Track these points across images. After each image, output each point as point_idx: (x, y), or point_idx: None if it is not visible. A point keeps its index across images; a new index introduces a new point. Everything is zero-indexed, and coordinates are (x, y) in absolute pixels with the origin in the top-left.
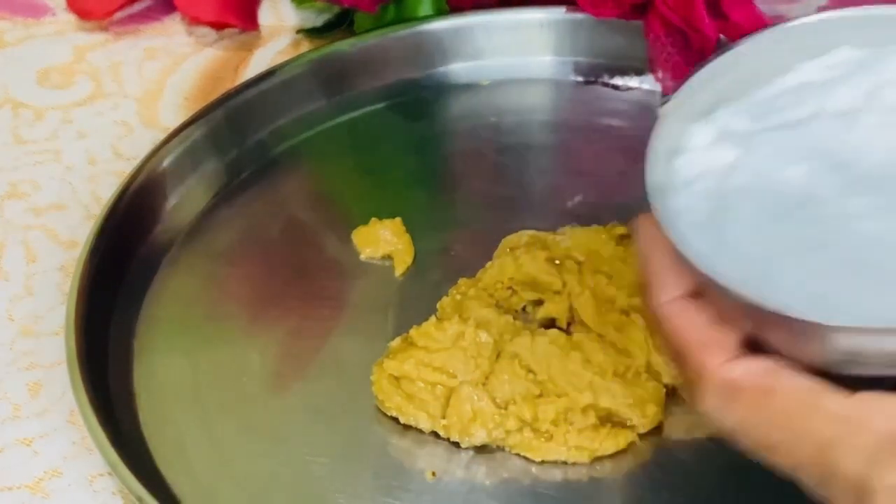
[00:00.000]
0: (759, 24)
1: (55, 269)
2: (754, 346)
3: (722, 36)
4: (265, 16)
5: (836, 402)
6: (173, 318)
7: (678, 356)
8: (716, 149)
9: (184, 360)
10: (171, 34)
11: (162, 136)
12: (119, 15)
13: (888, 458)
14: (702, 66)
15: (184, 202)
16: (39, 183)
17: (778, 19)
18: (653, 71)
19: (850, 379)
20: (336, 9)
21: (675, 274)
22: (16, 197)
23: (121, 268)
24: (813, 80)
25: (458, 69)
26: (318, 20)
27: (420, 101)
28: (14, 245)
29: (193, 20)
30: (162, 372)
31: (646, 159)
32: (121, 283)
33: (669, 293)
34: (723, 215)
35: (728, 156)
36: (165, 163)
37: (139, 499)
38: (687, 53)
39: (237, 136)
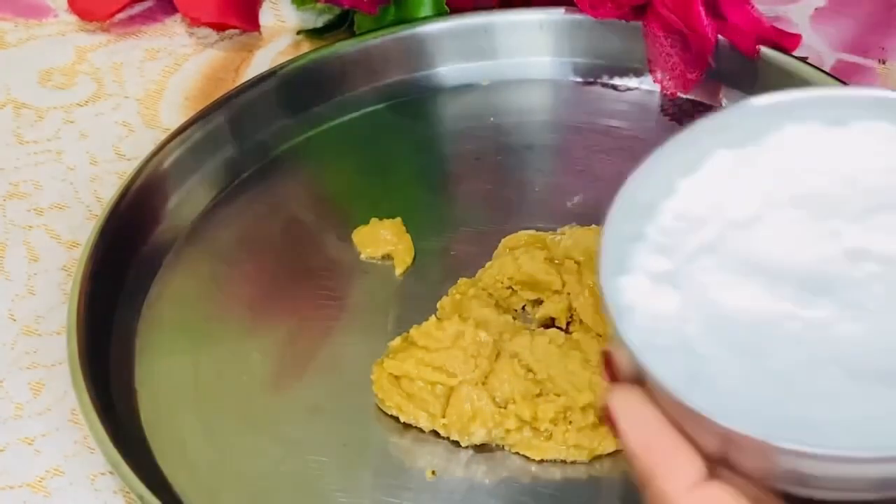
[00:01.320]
0: (758, 24)
1: (57, 269)
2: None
3: (720, 37)
4: (266, 17)
5: None
6: (174, 318)
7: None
8: (654, 299)
9: (185, 360)
10: (172, 35)
11: (163, 136)
12: (120, 16)
13: None
14: (608, 212)
15: (185, 202)
16: (41, 183)
17: (775, 20)
18: (652, 72)
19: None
20: (336, 10)
21: (681, 456)
22: (17, 197)
23: (122, 268)
24: (701, 194)
25: (458, 69)
26: (318, 21)
27: (420, 101)
28: (16, 245)
29: (194, 21)
30: (163, 371)
31: (617, 331)
32: (122, 283)
33: (682, 481)
34: (704, 370)
35: (670, 302)
36: (166, 163)
37: (140, 497)
38: (686, 54)
39: (238, 136)
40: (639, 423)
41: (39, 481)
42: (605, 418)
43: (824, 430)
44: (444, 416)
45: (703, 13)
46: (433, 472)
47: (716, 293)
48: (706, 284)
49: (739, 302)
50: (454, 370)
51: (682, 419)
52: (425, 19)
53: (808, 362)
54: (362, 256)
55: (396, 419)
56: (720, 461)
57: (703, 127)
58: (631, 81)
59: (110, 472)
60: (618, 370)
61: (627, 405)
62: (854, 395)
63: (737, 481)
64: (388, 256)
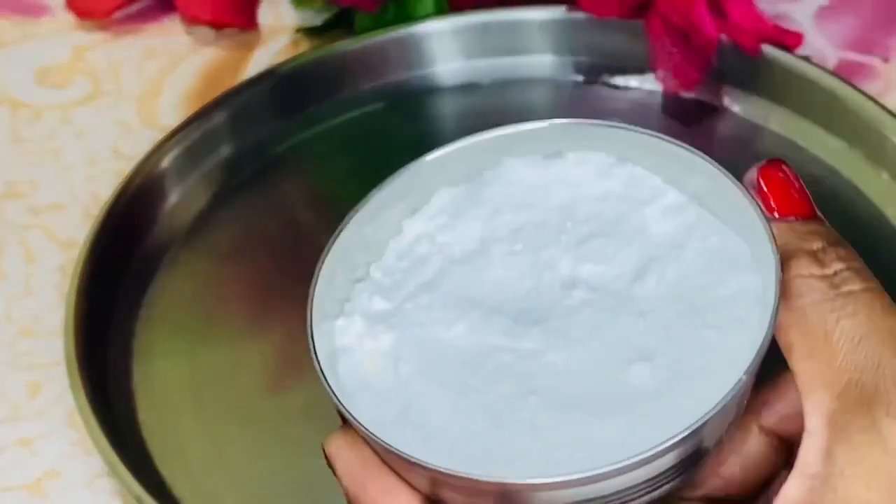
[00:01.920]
0: (760, 23)
1: (54, 269)
2: None
3: (722, 35)
4: (264, 15)
5: None
6: (173, 319)
7: None
8: (369, 339)
9: (183, 361)
10: (171, 34)
11: (161, 135)
12: (118, 14)
13: None
14: (324, 257)
15: (183, 202)
16: (38, 182)
17: (779, 18)
18: (654, 70)
19: None
20: (335, 8)
21: (395, 493)
22: (14, 196)
23: (120, 268)
24: (423, 233)
25: (458, 69)
26: (317, 20)
27: (420, 101)
28: (13, 245)
29: (193, 20)
30: (161, 372)
31: (320, 374)
32: (120, 283)
33: None
34: (414, 407)
35: (385, 342)
36: (165, 162)
37: (138, 499)
38: (688, 53)
39: (236, 135)
40: (354, 465)
41: (37, 483)
42: (327, 463)
43: (522, 460)
44: None
45: (705, 11)
46: None
47: (430, 330)
48: (422, 322)
49: (453, 338)
50: None
51: (389, 460)
52: (425, 18)
53: (512, 394)
54: None
55: None
56: (437, 500)
57: (423, 166)
58: (632, 80)
59: (108, 474)
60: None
61: (342, 448)
62: (550, 423)
63: None
64: None
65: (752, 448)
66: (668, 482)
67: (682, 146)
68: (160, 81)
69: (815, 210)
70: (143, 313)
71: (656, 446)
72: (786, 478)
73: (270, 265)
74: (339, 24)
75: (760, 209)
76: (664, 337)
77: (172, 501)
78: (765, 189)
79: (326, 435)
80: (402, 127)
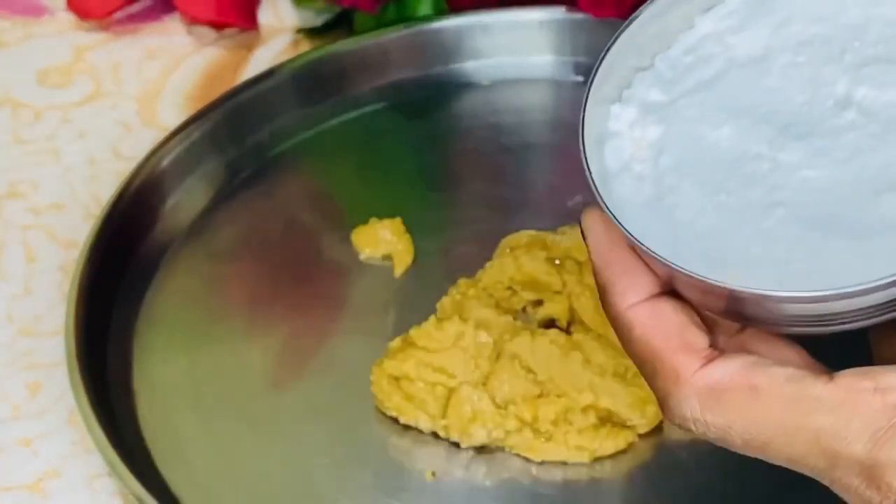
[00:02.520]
0: None
1: (55, 269)
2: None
3: None
4: (265, 15)
5: (822, 388)
6: (173, 318)
7: (647, 364)
8: (639, 128)
9: (183, 360)
10: (171, 34)
11: (161, 135)
12: (118, 14)
13: (892, 433)
14: (610, 45)
15: (183, 202)
16: (39, 183)
17: None
18: None
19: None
20: (336, 8)
21: (635, 275)
22: (15, 197)
23: (120, 268)
24: (712, 32)
25: (457, 69)
26: (317, 20)
27: (420, 101)
28: (13, 245)
29: (193, 20)
30: (161, 372)
31: (582, 152)
32: (120, 283)
33: (632, 297)
34: (666, 198)
35: (653, 133)
36: (165, 163)
37: (138, 499)
38: None
39: (237, 135)
40: (602, 241)
41: (37, 483)
42: (581, 234)
43: (756, 267)
44: (444, 418)
45: None
46: (433, 474)
47: (698, 128)
48: (692, 119)
49: (718, 139)
50: (454, 371)
51: (632, 244)
52: (425, 18)
53: (760, 202)
54: (362, 256)
55: (396, 420)
56: (671, 285)
57: None
58: None
59: (108, 474)
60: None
61: (595, 224)
62: (790, 237)
63: (685, 302)
64: (387, 256)
65: None
66: (892, 311)
67: None
68: (160, 81)
69: None
70: (143, 313)
71: (890, 276)
72: None
73: (270, 265)
74: (340, 24)
75: None
76: None
77: (172, 501)
78: None
79: (326, 436)
80: (402, 127)
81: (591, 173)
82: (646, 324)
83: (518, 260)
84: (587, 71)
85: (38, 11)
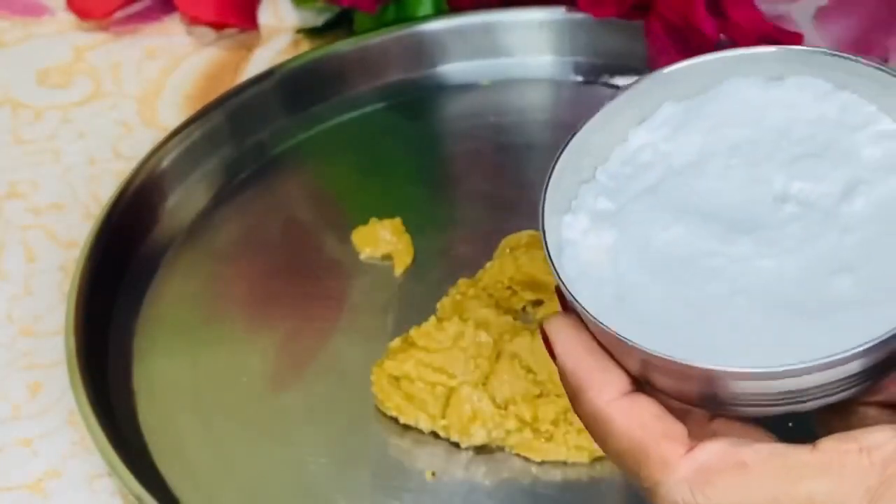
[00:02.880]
0: (759, 23)
1: (55, 269)
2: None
3: (722, 35)
4: (265, 15)
5: (808, 455)
6: (173, 318)
7: (630, 456)
8: (593, 235)
9: (184, 360)
10: (171, 34)
11: (161, 135)
12: (119, 15)
13: (884, 489)
14: (556, 160)
15: (183, 202)
16: (39, 183)
17: (778, 19)
18: (653, 71)
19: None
20: (336, 9)
21: (609, 371)
22: (15, 197)
23: (120, 268)
24: (647, 143)
25: (458, 69)
26: (317, 20)
27: (420, 101)
28: (13, 245)
29: (193, 20)
30: (162, 372)
31: (549, 260)
32: (120, 283)
33: (609, 393)
34: (630, 297)
35: (608, 238)
36: (165, 163)
37: (138, 499)
38: (687, 53)
39: (237, 135)
40: (571, 344)
41: (37, 483)
42: (543, 342)
43: (725, 352)
44: (444, 418)
45: (704, 12)
46: (433, 474)
47: (650, 230)
48: (641, 222)
49: (670, 238)
50: (454, 371)
51: (605, 342)
52: (425, 18)
53: (722, 293)
54: (362, 256)
55: (396, 420)
56: (644, 382)
57: (654, 80)
58: (632, 81)
59: (108, 474)
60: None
61: (561, 329)
62: (753, 322)
63: (660, 396)
64: (387, 256)
65: None
66: (858, 384)
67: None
68: (160, 82)
69: None
70: (143, 313)
71: (859, 346)
72: None
73: (270, 265)
74: (340, 24)
75: None
76: (867, 253)
77: (172, 501)
78: None
79: (326, 436)
80: (402, 127)
81: (560, 278)
82: (626, 417)
83: (518, 260)
84: (587, 71)
85: (38, 11)
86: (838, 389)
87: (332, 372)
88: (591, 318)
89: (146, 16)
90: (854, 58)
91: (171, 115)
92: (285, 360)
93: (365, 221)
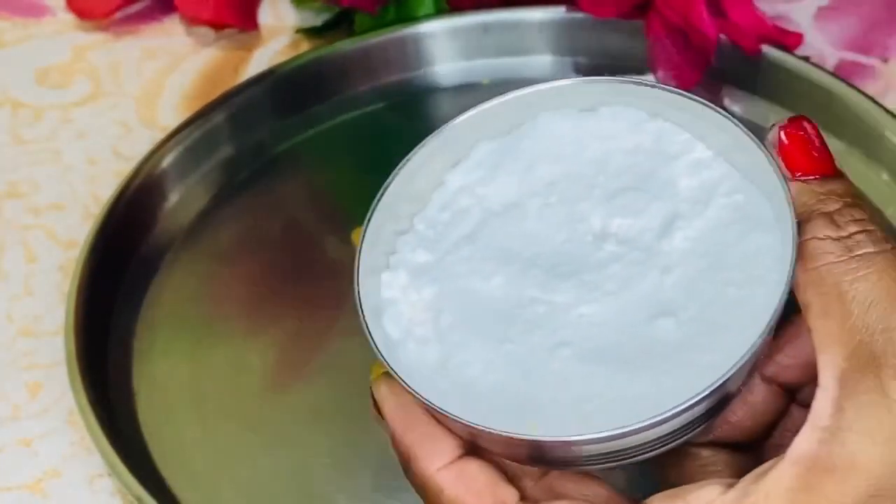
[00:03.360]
0: (759, 23)
1: (54, 269)
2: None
3: (722, 36)
4: (264, 15)
5: None
6: (173, 319)
7: None
8: (413, 291)
9: (184, 361)
10: (171, 34)
11: (161, 135)
12: (118, 15)
13: None
14: (370, 214)
15: (183, 202)
16: (38, 183)
17: (779, 19)
18: (653, 71)
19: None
20: (336, 9)
21: (437, 439)
22: (15, 197)
23: (120, 268)
24: (464, 185)
25: (458, 69)
26: (317, 20)
27: (420, 101)
28: (13, 245)
29: (193, 20)
30: (162, 372)
31: (363, 324)
32: (120, 284)
33: (438, 461)
34: (453, 358)
35: (428, 294)
36: (165, 163)
37: (138, 499)
38: (687, 53)
39: (237, 136)
40: (398, 412)
41: (37, 483)
42: (373, 408)
43: (552, 411)
44: None
45: (704, 11)
46: None
47: (470, 283)
48: (462, 274)
49: (491, 290)
50: None
51: (429, 409)
52: (425, 18)
53: (544, 346)
54: None
55: None
56: (475, 446)
57: (467, 120)
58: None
59: (108, 474)
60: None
61: (388, 395)
62: (579, 375)
63: (490, 456)
64: None
65: (757, 396)
66: (689, 433)
67: (709, 106)
68: (160, 82)
69: (836, 168)
70: (143, 313)
71: (686, 402)
72: (789, 426)
73: (270, 265)
74: (340, 24)
75: (780, 169)
76: (688, 292)
77: (172, 501)
78: (785, 147)
79: (326, 436)
80: (402, 127)
81: (375, 344)
82: (456, 486)
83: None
84: (587, 71)
85: (37, 11)
86: (668, 441)
87: (332, 372)
88: (411, 390)
89: (146, 16)
90: (661, 86)
91: (171, 115)
92: (285, 360)
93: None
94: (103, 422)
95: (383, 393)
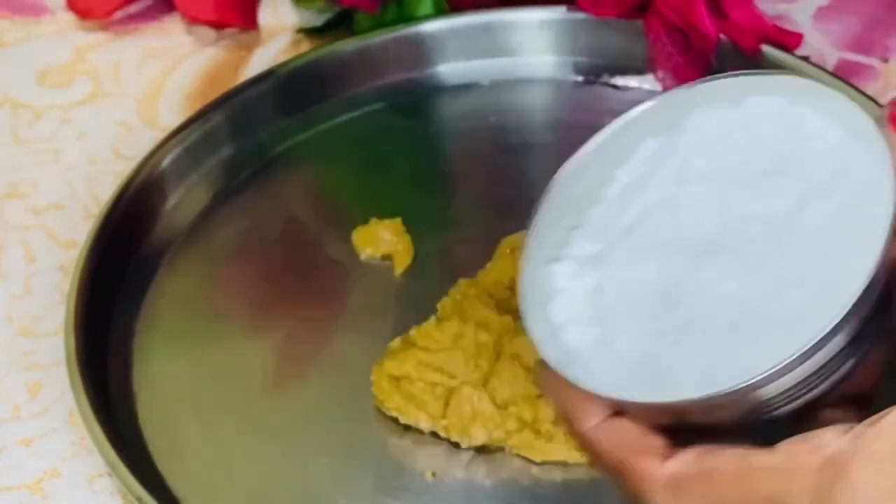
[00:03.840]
0: (759, 23)
1: (54, 269)
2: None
3: (722, 36)
4: (265, 15)
5: (766, 458)
6: (173, 319)
7: (616, 472)
8: (578, 279)
9: (183, 361)
10: (171, 34)
11: (162, 135)
12: (119, 14)
13: (828, 489)
14: (538, 208)
15: (183, 202)
16: (39, 183)
17: (779, 19)
18: (653, 71)
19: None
20: (336, 8)
21: (590, 401)
22: (15, 197)
23: (120, 268)
24: (630, 181)
25: (458, 69)
26: (318, 20)
27: (420, 101)
28: (13, 245)
29: (193, 20)
30: (161, 372)
31: (523, 316)
32: (120, 284)
33: (591, 420)
34: (609, 334)
35: (590, 281)
36: (165, 163)
37: (138, 499)
38: (687, 53)
39: (237, 135)
40: (555, 385)
41: (37, 483)
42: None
43: (692, 377)
44: (444, 418)
45: (704, 12)
46: (433, 474)
47: (628, 269)
48: (622, 262)
49: (646, 274)
50: (454, 371)
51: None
52: (425, 18)
53: (685, 320)
54: (362, 256)
55: (396, 420)
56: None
57: (630, 119)
58: (632, 81)
59: (108, 474)
60: None
61: (548, 378)
62: (711, 346)
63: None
64: (387, 256)
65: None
66: (810, 389)
67: (836, 91)
68: (161, 81)
69: None
70: (143, 313)
71: (800, 349)
72: None
73: (270, 265)
74: (340, 24)
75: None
76: (815, 266)
77: (172, 500)
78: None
79: (326, 436)
80: (402, 127)
81: (532, 334)
82: (608, 438)
83: (518, 260)
84: (587, 71)
85: (38, 11)
86: (794, 396)
87: (332, 372)
88: (560, 372)
89: (146, 16)
90: (797, 75)
91: (172, 115)
92: (285, 361)
93: (365, 221)
94: (103, 421)
95: (544, 378)
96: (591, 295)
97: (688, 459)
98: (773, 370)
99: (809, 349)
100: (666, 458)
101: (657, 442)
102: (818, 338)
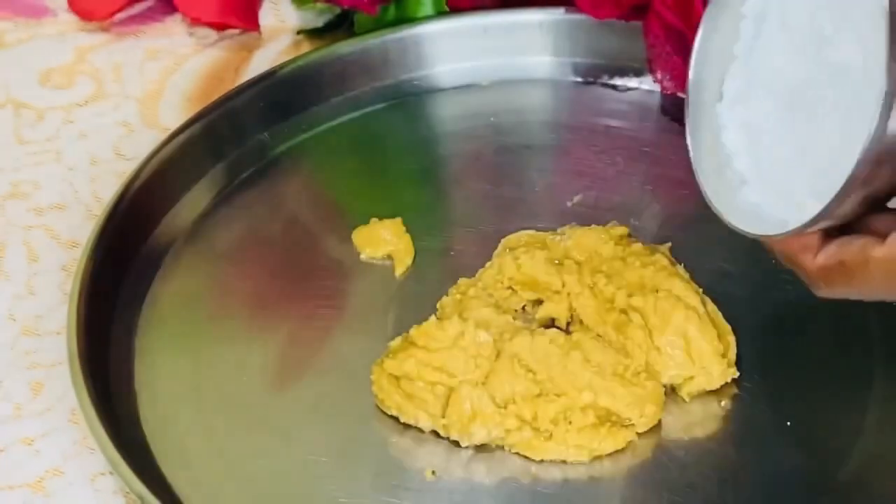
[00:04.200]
0: None
1: (56, 269)
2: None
3: None
4: (266, 16)
5: (881, 250)
6: (174, 318)
7: (792, 265)
8: (734, 116)
9: (185, 360)
10: (172, 35)
11: (163, 136)
12: (120, 16)
13: None
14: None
15: (184, 202)
16: (41, 183)
17: None
18: (652, 71)
19: None
20: (336, 10)
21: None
22: (17, 197)
23: (122, 267)
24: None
25: (457, 69)
26: (318, 21)
27: (420, 101)
28: (15, 245)
29: (194, 21)
30: (163, 371)
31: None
32: (122, 283)
33: (815, 243)
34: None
35: (742, 115)
36: (166, 163)
37: (140, 498)
38: (686, 54)
39: (238, 136)
40: (774, 242)
41: (39, 482)
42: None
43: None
44: (444, 417)
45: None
46: (433, 473)
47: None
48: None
49: (764, 107)
50: (454, 370)
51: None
52: (425, 19)
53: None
54: (362, 256)
55: (396, 419)
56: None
57: None
58: (631, 81)
59: (110, 473)
60: None
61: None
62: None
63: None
64: (387, 256)
65: None
66: None
67: None
68: (162, 82)
69: None
70: (144, 313)
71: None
72: None
73: (271, 265)
74: (340, 25)
75: None
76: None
77: (173, 499)
78: None
79: (326, 435)
80: (402, 127)
81: (709, 198)
82: (782, 243)
83: (518, 260)
84: (586, 71)
85: (40, 12)
86: None
87: (333, 371)
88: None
89: (147, 17)
90: None
91: (173, 115)
92: (286, 360)
93: (365, 221)
94: (105, 420)
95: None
96: (744, 133)
97: (826, 254)
98: None
99: None
100: (816, 252)
101: (813, 240)
102: None
